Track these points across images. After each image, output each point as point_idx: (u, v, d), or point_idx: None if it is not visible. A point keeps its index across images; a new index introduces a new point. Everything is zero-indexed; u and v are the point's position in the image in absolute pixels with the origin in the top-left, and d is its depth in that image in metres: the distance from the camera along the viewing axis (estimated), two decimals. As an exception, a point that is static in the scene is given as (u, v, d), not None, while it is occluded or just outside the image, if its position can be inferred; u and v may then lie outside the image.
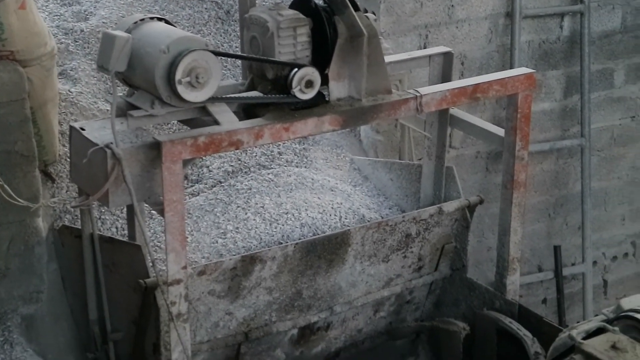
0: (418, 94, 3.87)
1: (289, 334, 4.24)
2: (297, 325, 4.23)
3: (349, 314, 4.41)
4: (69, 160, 3.94)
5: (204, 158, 4.77)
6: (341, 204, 4.52)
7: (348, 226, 4.36)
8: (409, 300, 4.60)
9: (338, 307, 4.32)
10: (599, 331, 3.11)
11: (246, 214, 4.38)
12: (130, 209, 3.75)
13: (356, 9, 3.69)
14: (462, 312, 4.55)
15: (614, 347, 2.93)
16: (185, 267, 3.55)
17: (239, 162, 4.80)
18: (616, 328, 3.08)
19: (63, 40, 4.88)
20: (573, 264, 6.37)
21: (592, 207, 6.23)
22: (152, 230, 4.30)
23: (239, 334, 4.06)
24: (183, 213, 3.50)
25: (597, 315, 3.44)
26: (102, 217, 4.31)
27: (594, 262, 6.46)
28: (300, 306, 4.20)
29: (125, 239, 3.98)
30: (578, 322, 3.43)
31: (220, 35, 5.34)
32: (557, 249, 6.22)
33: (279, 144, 4.99)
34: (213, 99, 3.51)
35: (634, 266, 6.73)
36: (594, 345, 2.94)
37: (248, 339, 4.08)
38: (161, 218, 4.08)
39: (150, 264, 3.59)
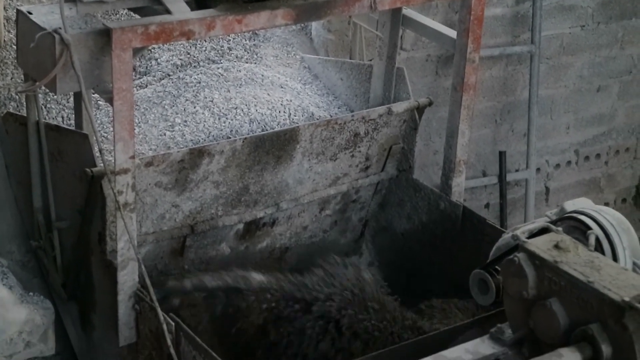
0: (372, -9, 3.84)
1: (234, 228, 4.25)
2: (243, 220, 4.24)
3: (294, 211, 4.42)
4: (14, 46, 3.86)
5: (152, 50, 4.70)
6: (291, 101, 4.50)
7: (297, 123, 4.35)
8: (354, 199, 4.62)
9: (284, 203, 4.33)
10: (542, 232, 3.14)
11: (195, 107, 4.34)
12: (78, 97, 3.69)
13: None
14: (407, 213, 4.59)
15: (557, 246, 2.96)
16: (133, 157, 3.52)
17: (188, 55, 4.75)
18: (560, 229, 3.12)
19: None
20: (517, 170, 6.43)
21: (538, 115, 6.27)
22: (99, 121, 4.25)
23: (184, 227, 4.06)
24: (132, 102, 3.45)
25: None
26: (48, 105, 4.25)
27: (538, 169, 6.53)
28: (246, 201, 4.21)
29: (72, 128, 3.93)
30: (521, 225, 3.48)
31: None
32: (502, 155, 6.27)
33: (229, 40, 4.93)
34: (165, -13, 3.45)
35: (576, 174, 6.81)
36: (537, 244, 2.97)
37: (194, 232, 4.09)
38: (108, 108, 4.04)
39: (98, 153, 3.55)
